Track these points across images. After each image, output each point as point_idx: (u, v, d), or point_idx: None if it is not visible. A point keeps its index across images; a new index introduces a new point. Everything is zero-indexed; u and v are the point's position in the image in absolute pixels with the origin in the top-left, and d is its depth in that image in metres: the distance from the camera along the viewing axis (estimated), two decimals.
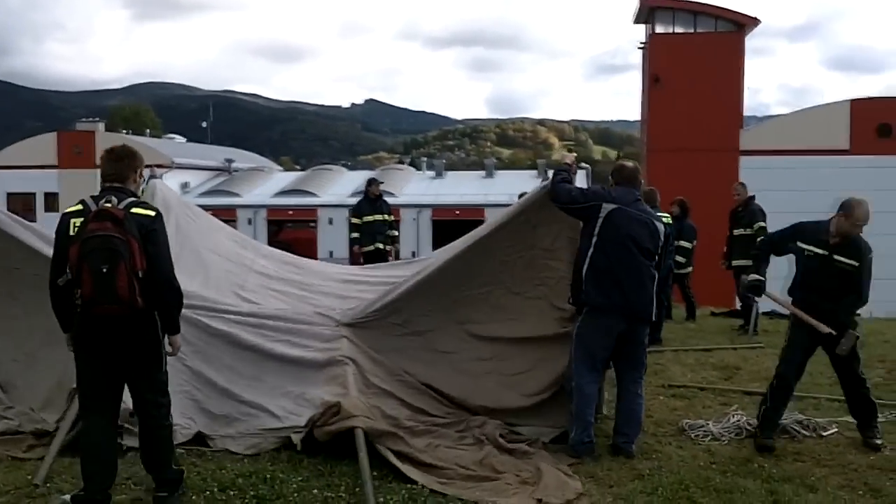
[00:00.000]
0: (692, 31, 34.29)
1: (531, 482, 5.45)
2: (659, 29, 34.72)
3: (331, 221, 38.31)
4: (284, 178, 45.24)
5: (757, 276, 6.60)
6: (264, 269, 7.69)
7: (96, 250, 4.34)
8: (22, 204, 40.78)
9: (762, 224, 11.62)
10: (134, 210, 4.55)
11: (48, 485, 5.16)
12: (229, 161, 47.81)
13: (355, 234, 13.76)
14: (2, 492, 5.11)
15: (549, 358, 6.37)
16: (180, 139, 55.70)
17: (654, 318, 6.24)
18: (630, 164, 6.42)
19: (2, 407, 6.28)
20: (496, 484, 5.42)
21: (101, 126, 48.58)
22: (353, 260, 14.23)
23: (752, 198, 12.10)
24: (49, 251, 6.39)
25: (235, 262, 7.58)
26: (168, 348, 4.81)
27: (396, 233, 14.33)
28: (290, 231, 39.87)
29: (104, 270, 4.32)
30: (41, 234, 6.76)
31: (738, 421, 6.77)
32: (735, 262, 11.65)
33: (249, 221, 37.89)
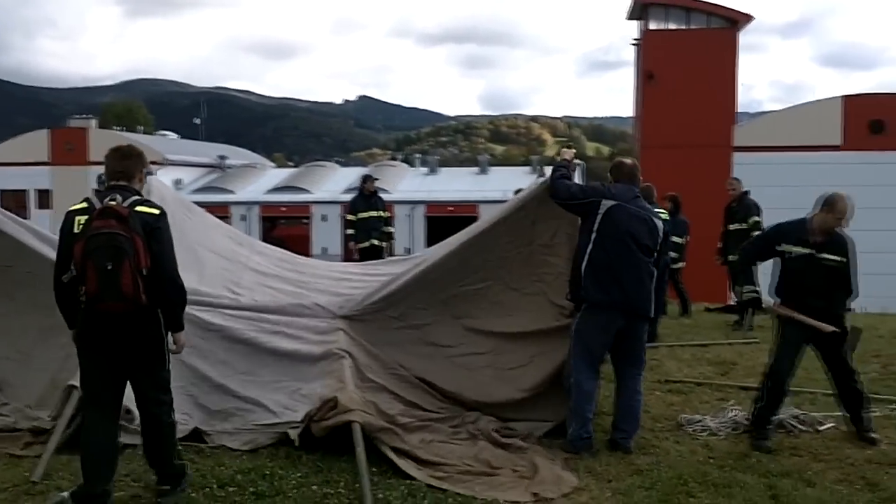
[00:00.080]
0: (685, 27, 34.34)
1: (527, 476, 5.47)
2: (652, 25, 34.76)
3: (324, 218, 38.29)
4: (277, 175, 45.17)
5: (752, 288, 6.55)
6: (259, 266, 7.66)
7: (101, 248, 4.36)
8: (14, 201, 40.67)
9: (757, 219, 11.67)
10: (139, 208, 4.58)
11: (46, 482, 5.15)
12: (222, 158, 47.71)
13: (350, 231, 13.74)
14: (0, 489, 5.09)
15: (545, 353, 6.37)
16: (173, 136, 55.57)
17: (652, 315, 6.25)
18: (629, 160, 6.41)
19: None
20: (492, 479, 5.44)
21: (93, 123, 48.41)
22: (348, 256, 14.21)
23: (747, 193, 12.13)
24: (42, 248, 6.42)
25: (230, 259, 7.56)
26: (172, 346, 4.81)
27: (392, 229, 14.31)
28: (284, 228, 39.86)
29: (109, 268, 4.34)
30: (35, 231, 6.75)
31: (735, 416, 6.79)
32: (731, 258, 11.67)
33: (243, 218, 37.84)
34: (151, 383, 4.73)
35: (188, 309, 4.97)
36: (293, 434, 5.68)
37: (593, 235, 5.98)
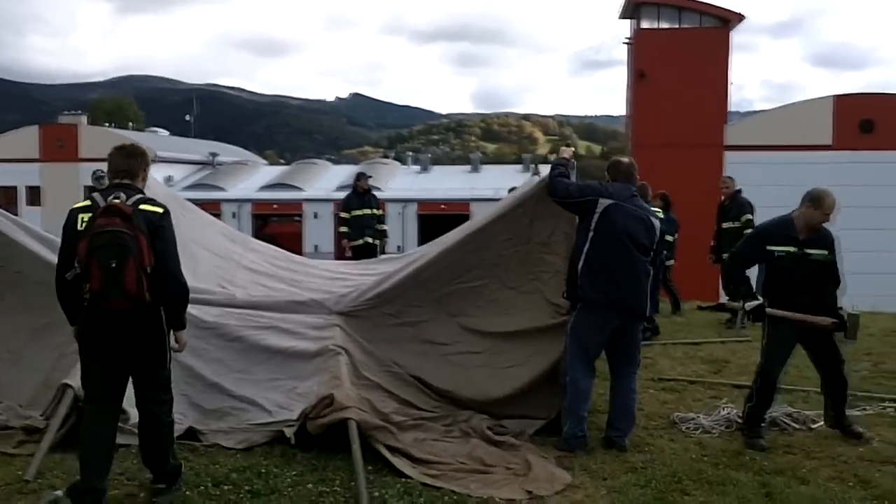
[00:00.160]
0: (678, 26, 34.41)
1: (521, 474, 5.48)
2: (645, 24, 34.83)
3: (316, 216, 38.28)
4: (269, 173, 45.14)
5: (757, 303, 6.37)
6: (253, 264, 7.65)
7: (105, 245, 4.38)
8: (4, 197, 40.55)
9: (750, 217, 11.70)
10: (142, 206, 4.59)
11: (39, 480, 5.12)
12: (213, 155, 47.60)
13: (344, 228, 13.73)
14: None
15: (541, 351, 6.37)
16: (164, 133, 55.43)
17: (648, 314, 6.26)
18: (626, 159, 6.41)
19: None
20: (486, 476, 5.44)
21: (83, 119, 48.26)
22: (340, 254, 14.19)
23: (739, 191, 12.17)
24: (35, 247, 6.40)
25: (224, 256, 7.55)
26: (174, 344, 4.82)
27: (385, 227, 14.30)
28: (275, 225, 39.83)
29: (113, 265, 4.36)
30: (28, 228, 6.71)
31: (729, 414, 6.82)
32: (724, 255, 11.71)
33: (234, 215, 37.79)
34: (152, 382, 4.73)
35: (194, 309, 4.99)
36: (289, 432, 5.67)
37: (590, 234, 5.98)
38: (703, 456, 5.99)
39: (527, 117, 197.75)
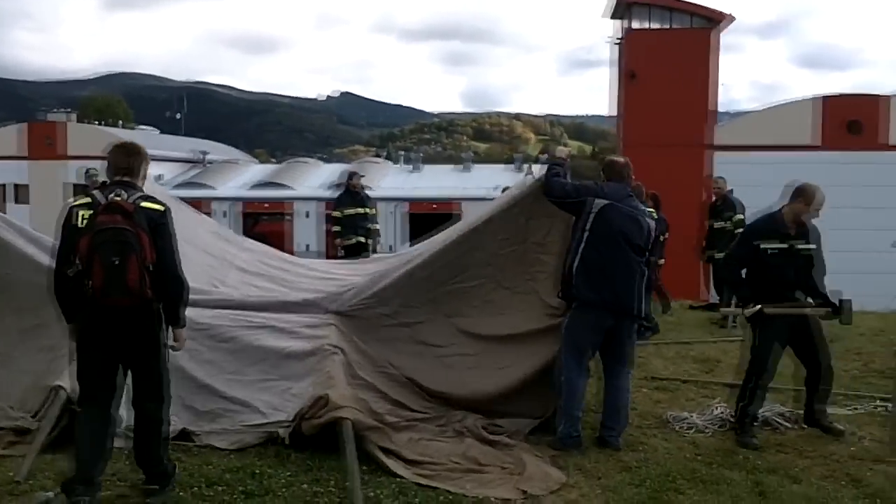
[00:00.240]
0: (667, 26, 34.50)
1: (515, 473, 5.48)
2: (634, 24, 34.91)
3: (307, 215, 38.19)
4: (259, 171, 44.98)
5: (756, 309, 6.33)
6: (245, 263, 7.63)
7: (108, 242, 4.41)
8: None
9: (741, 217, 11.76)
10: (143, 204, 4.63)
11: (30, 482, 5.09)
12: (203, 153, 47.42)
13: (336, 228, 13.70)
14: None
15: (535, 353, 6.37)
16: (153, 131, 55.18)
17: (642, 314, 6.27)
18: (621, 159, 6.42)
19: None
20: (480, 476, 5.45)
21: (72, 117, 48.00)
22: (331, 253, 14.16)
23: (731, 191, 12.25)
24: (23, 247, 6.35)
25: (216, 256, 7.52)
26: (173, 342, 4.85)
27: (377, 226, 14.27)
28: (266, 224, 39.67)
29: (115, 262, 4.40)
30: (15, 226, 6.65)
31: (722, 413, 6.84)
32: (717, 255, 11.81)
33: (224, 214, 37.62)
34: (151, 379, 4.75)
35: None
36: (283, 433, 5.65)
37: (585, 234, 5.99)
38: (697, 455, 6.01)
39: (517, 117, 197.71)
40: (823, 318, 6.45)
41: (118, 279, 4.41)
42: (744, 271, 6.61)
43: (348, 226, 13.51)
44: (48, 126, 44.91)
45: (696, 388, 7.98)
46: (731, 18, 34.54)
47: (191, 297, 4.98)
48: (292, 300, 6.65)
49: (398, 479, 5.23)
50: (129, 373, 4.76)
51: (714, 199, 12.43)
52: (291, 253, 11.96)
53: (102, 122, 52.45)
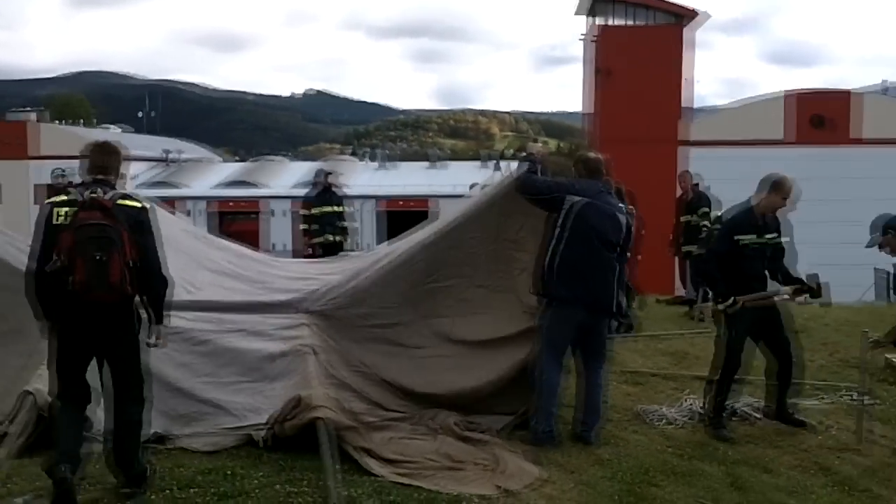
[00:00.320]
0: (638, 23, 34.74)
1: (491, 469, 5.49)
2: (605, 21, 35.11)
3: (275, 213, 37.98)
4: (227, 169, 44.73)
5: (734, 307, 6.40)
6: (217, 264, 7.54)
7: (91, 238, 4.46)
8: None
9: (706, 210, 11.89)
10: (122, 201, 4.67)
11: (8, 486, 5.02)
12: (170, 152, 46.97)
13: (307, 226, 13.63)
14: None
15: (512, 351, 6.38)
16: (118, 129, 54.50)
17: (618, 311, 6.30)
18: (595, 155, 6.42)
19: None
20: (456, 472, 5.45)
21: (34, 116, 47.23)
22: (303, 252, 14.08)
23: (697, 185, 12.39)
24: None
25: (189, 256, 7.43)
26: (156, 341, 4.89)
27: (349, 224, 14.21)
28: (235, 223, 39.39)
29: (98, 258, 4.44)
30: None
31: (692, 405, 6.92)
32: (693, 250, 11.94)
33: (192, 213, 37.30)
34: (131, 379, 4.79)
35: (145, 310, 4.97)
36: (258, 436, 5.62)
37: (560, 231, 6.00)
38: (669, 447, 6.08)
39: (486, 113, 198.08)
40: (801, 301, 6.51)
41: (102, 275, 4.45)
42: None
43: (321, 224, 13.44)
44: (10, 126, 44.13)
45: (667, 381, 8.05)
46: (696, 14, 34.84)
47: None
48: (266, 301, 6.60)
49: (375, 478, 5.22)
50: (109, 373, 4.77)
51: (682, 193, 12.54)
52: (264, 251, 11.88)
53: (67, 122, 51.73)
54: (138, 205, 4.75)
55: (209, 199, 38.89)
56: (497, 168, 32.61)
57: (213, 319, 6.35)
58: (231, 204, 39.18)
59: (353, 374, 6.24)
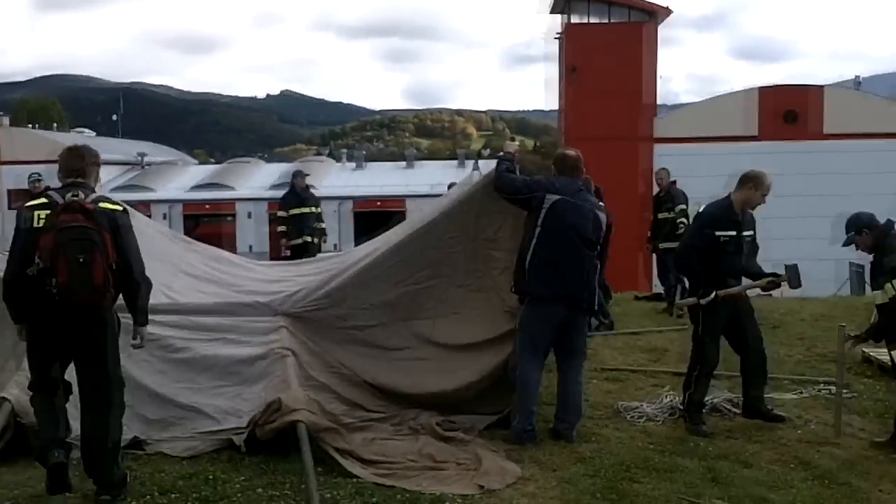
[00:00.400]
0: (607, 20, 34.92)
1: (472, 469, 5.49)
2: (575, 19, 35.27)
3: (249, 215, 37.80)
4: (200, 172, 44.46)
5: (711, 297, 6.42)
6: (192, 268, 7.46)
7: (74, 240, 4.48)
8: None
9: (683, 207, 11.96)
10: (102, 204, 4.70)
11: None
12: (142, 155, 46.63)
13: (282, 228, 13.57)
14: None
15: (491, 351, 6.38)
16: (90, 133, 53.99)
17: (595, 308, 6.32)
18: (573, 153, 6.41)
19: None
20: (437, 472, 5.44)
21: (5, 120, 46.70)
22: (277, 254, 14.02)
23: (674, 182, 12.44)
24: None
25: (163, 260, 7.34)
26: (140, 342, 4.95)
27: (324, 225, 14.17)
28: (208, 226, 39.17)
29: (81, 260, 4.46)
30: None
31: (671, 401, 6.94)
32: (662, 245, 12.02)
33: (165, 217, 37.03)
34: (101, 382, 4.77)
35: (123, 316, 4.96)
36: (238, 440, 5.58)
37: (538, 230, 5.99)
38: (649, 444, 6.10)
39: (460, 112, 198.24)
40: (775, 288, 6.57)
41: (85, 277, 4.46)
42: None
43: (295, 225, 13.39)
44: None
45: (646, 378, 8.09)
46: (669, 11, 35.09)
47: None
48: (242, 303, 6.55)
49: (355, 480, 5.19)
50: (82, 376, 4.77)
51: (658, 190, 12.61)
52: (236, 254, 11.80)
53: (37, 125, 51.15)
54: (119, 208, 4.80)
55: (180, 202, 38.61)
56: (476, 168, 32.70)
57: (190, 325, 6.29)
58: (207, 206, 38.93)
59: (332, 376, 6.21)
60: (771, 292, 6.70)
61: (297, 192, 13.66)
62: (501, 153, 6.54)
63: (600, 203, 6.40)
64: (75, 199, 4.60)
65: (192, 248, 7.88)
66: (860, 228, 6.22)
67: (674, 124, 33.39)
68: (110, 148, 46.74)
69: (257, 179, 40.86)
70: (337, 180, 40.42)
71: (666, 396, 7.08)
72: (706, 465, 5.60)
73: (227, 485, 5.08)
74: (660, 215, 12.33)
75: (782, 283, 6.52)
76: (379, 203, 36.61)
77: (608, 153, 29.47)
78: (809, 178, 29.68)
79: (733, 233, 6.42)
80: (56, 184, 4.95)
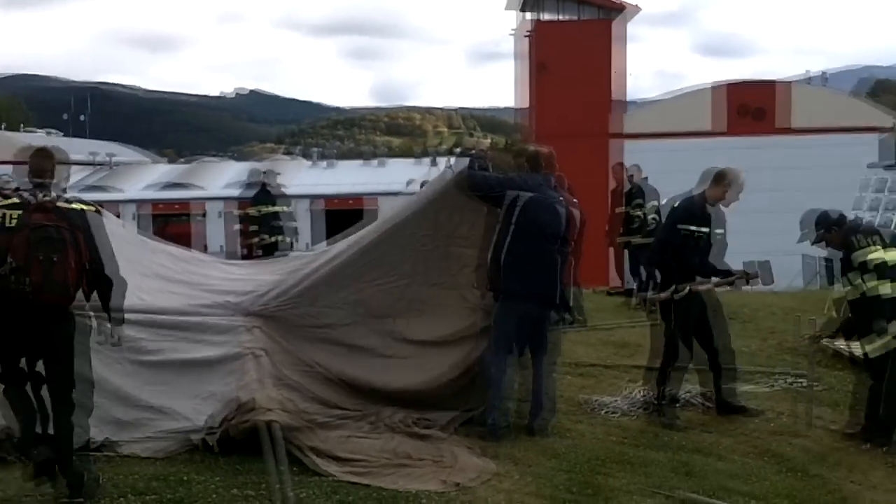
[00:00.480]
0: (576, 18, 35.07)
1: (447, 466, 5.49)
2: (543, 16, 35.38)
3: (220, 214, 37.44)
4: (168, 171, 43.91)
5: (686, 292, 6.50)
6: (164, 269, 7.37)
7: (47, 239, 4.52)
8: None
9: (655, 203, 12.03)
10: (74, 205, 4.77)
11: None
12: (109, 155, 46.09)
13: (253, 227, 13.47)
14: None
15: (464, 349, 6.37)
16: (58, 133, 53.29)
17: (569, 303, 6.34)
18: (545, 149, 6.43)
19: None
20: (413, 470, 5.45)
21: None
22: (248, 253, 13.93)
23: (645, 179, 12.51)
24: None
25: (133, 261, 7.25)
26: (117, 339, 5.02)
27: (295, 224, 14.08)
28: (178, 225, 38.75)
29: (55, 259, 4.50)
30: None
31: (645, 396, 6.99)
32: (633, 241, 12.08)
33: (133, 217, 36.59)
34: (65, 381, 4.77)
35: (93, 319, 5.03)
36: (211, 440, 5.52)
37: (511, 227, 6.01)
38: (624, 438, 6.14)
39: (429, 111, 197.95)
40: (747, 288, 6.63)
41: (57, 276, 4.51)
42: None
43: (265, 224, 13.31)
44: None
45: (619, 373, 8.14)
46: (637, 9, 35.35)
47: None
48: (213, 303, 6.48)
49: (330, 479, 5.17)
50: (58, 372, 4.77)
51: (628, 186, 12.67)
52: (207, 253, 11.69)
53: (2, 126, 50.41)
54: (91, 208, 4.87)
55: (148, 202, 38.19)
56: (433, 164, 32.65)
57: (162, 326, 6.22)
58: (176, 206, 38.53)
59: (304, 374, 6.18)
60: (742, 287, 6.75)
61: (267, 191, 13.57)
62: (473, 151, 6.53)
63: (574, 200, 6.42)
64: (48, 198, 4.64)
65: (159, 248, 7.79)
66: (829, 226, 6.30)
67: (638, 120, 33.61)
68: (77, 148, 46.16)
69: (225, 178, 40.43)
70: (307, 179, 40.08)
71: (639, 391, 7.12)
72: (680, 458, 5.65)
73: (202, 486, 5.03)
74: (628, 210, 12.39)
75: (753, 280, 6.58)
76: (351, 201, 36.41)
77: (574, 150, 29.62)
78: (777, 173, 29.99)
79: (706, 229, 6.47)
80: (26, 185, 4.88)
